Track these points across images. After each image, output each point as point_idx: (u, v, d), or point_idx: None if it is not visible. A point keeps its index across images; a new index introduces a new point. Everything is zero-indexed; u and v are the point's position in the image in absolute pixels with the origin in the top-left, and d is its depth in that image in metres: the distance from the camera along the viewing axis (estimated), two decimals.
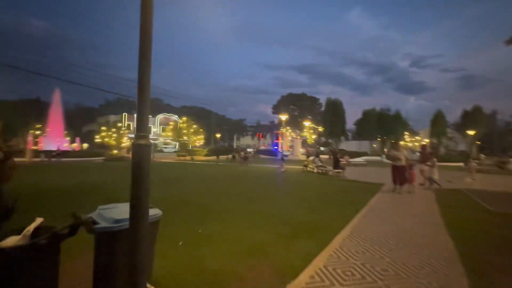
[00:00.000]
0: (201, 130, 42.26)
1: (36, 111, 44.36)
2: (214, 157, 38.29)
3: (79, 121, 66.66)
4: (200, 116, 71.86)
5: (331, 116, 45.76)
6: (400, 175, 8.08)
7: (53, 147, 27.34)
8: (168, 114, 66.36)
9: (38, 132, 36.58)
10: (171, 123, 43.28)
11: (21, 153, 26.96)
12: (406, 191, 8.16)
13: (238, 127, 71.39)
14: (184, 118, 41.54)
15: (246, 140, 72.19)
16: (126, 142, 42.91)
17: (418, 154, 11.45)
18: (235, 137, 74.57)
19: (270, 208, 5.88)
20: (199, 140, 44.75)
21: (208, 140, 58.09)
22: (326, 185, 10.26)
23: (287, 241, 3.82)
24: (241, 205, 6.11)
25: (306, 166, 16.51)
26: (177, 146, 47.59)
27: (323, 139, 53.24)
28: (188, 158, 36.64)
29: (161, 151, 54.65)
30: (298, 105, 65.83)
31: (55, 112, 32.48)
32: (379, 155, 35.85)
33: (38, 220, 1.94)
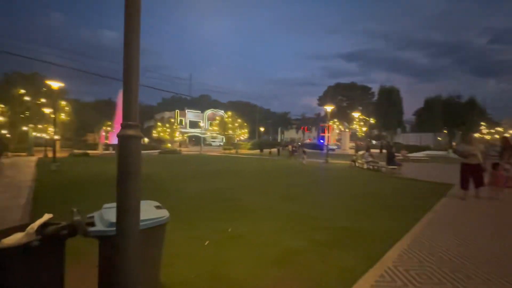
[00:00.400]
0: (245, 124, 42.85)
1: (107, 110, 51.25)
2: (258, 151, 38.58)
3: (140, 118, 74.82)
4: (245, 110, 73.17)
5: (385, 106, 41.16)
6: (476, 175, 6.41)
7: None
8: (215, 110, 69.33)
9: (108, 128, 42.18)
10: (217, 117, 44.99)
11: (95, 146, 31.37)
12: (487, 196, 6.49)
13: (283, 121, 70.35)
14: (229, 113, 42.69)
15: (291, 134, 70.81)
16: (178, 136, 46.47)
17: (497, 149, 9.08)
18: (279, 130, 73.89)
19: (309, 209, 5.29)
20: (243, 134, 45.61)
21: (252, 134, 58.88)
22: (377, 183, 9.02)
23: (325, 250, 3.23)
24: (277, 204, 5.66)
25: (354, 161, 15.05)
26: (223, 140, 49.43)
27: (375, 131, 48.55)
28: (232, 151, 37.69)
29: (210, 144, 57.62)
30: (347, 95, 61.33)
31: (120, 111, 36.74)
32: (445, 150, 30.79)
33: (46, 216, 1.83)
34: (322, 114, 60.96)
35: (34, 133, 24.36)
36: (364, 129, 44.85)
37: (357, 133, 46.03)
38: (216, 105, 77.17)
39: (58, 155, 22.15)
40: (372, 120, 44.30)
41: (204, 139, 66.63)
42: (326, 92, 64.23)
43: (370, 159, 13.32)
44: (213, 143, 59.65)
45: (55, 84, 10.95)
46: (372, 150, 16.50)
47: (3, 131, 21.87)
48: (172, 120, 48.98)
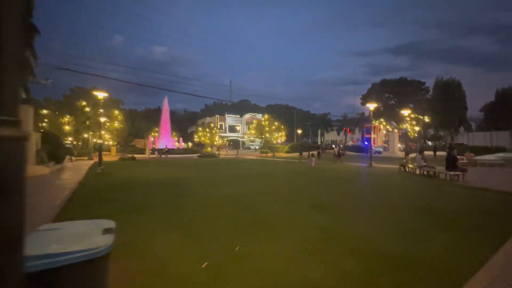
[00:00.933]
0: (282, 126, 42.00)
1: (156, 118, 55.84)
2: (296, 154, 37.37)
3: (186, 124, 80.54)
4: (284, 113, 72.34)
5: (443, 102, 35.96)
6: None
7: (163, 146, 33.38)
8: (253, 114, 70.02)
9: (156, 134, 45.75)
10: (254, 121, 45.14)
11: (143, 151, 34.06)
12: None
13: (323, 122, 67.44)
14: (266, 116, 42.41)
15: (331, 136, 67.29)
16: (217, 140, 47.99)
17: None
18: (319, 132, 70.96)
19: (342, 224, 4.38)
20: (280, 137, 44.84)
21: (290, 137, 57.64)
22: (433, 193, 7.42)
23: None
24: (304, 215, 4.87)
25: (404, 165, 13.06)
26: (261, 143, 49.37)
27: (430, 131, 42.82)
28: (269, 154, 37.21)
29: (248, 148, 58.24)
30: (395, 92, 55.80)
31: (165, 117, 39.59)
32: None
33: None
34: (367, 114, 56.39)
35: (94, 140, 27.63)
36: (417, 128, 39.86)
37: (409, 133, 41.13)
38: (255, 109, 78.23)
39: (111, 158, 24.65)
40: (426, 119, 39.14)
41: (243, 142, 67.90)
42: (371, 90, 59.48)
43: (423, 163, 11.32)
44: (251, 147, 60.24)
45: (100, 95, 11.92)
46: (426, 153, 14.17)
47: (70, 138, 25.55)
48: (212, 124, 50.80)
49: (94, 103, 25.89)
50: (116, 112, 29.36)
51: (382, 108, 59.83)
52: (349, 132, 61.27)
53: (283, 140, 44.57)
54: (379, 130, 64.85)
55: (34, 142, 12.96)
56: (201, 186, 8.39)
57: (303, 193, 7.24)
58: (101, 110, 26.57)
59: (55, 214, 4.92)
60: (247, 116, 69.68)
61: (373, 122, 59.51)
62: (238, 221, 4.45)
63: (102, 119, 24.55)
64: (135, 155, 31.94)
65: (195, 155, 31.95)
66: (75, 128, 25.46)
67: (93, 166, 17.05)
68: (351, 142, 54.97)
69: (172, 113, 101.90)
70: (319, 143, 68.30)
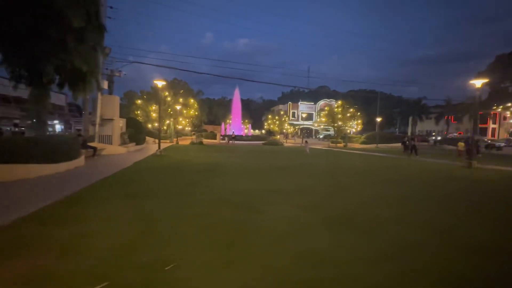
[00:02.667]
0: (359, 114, 36.89)
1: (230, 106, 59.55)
2: (374, 146, 32.32)
3: (261, 112, 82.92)
4: (367, 99, 63.90)
5: None
6: None
7: (231, 132, 35.18)
8: (329, 100, 64.93)
9: (228, 121, 48.80)
10: (326, 108, 41.58)
11: (215, 136, 36.76)
12: None
13: (416, 109, 55.60)
14: (340, 102, 38.18)
15: (427, 125, 54.90)
16: (286, 128, 47.08)
17: None
18: (410, 121, 59.30)
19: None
20: (357, 125, 39.77)
21: (371, 126, 50.45)
22: None
23: None
24: (315, 234, 3.49)
25: None
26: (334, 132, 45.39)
27: None
28: (340, 145, 33.62)
29: (325, 136, 54.50)
30: None
31: (236, 105, 41.45)
32: None
33: None
34: (484, 98, 42.55)
35: (176, 126, 31.76)
36: None
37: None
38: (334, 95, 72.42)
39: (186, 142, 27.66)
40: None
41: (317, 131, 64.35)
42: (494, 65, 44.44)
43: None
44: (321, 136, 56.24)
45: (159, 83, 12.98)
46: None
47: (155, 124, 30.32)
48: (282, 112, 50.04)
49: (175, 92, 29.58)
50: (192, 100, 32.66)
51: (511, 88, 44.27)
52: (452, 120, 48.57)
53: (359, 129, 39.39)
54: (504, 119, 48.35)
55: (119, 126, 15.54)
56: (230, 175, 7.83)
57: (340, 196, 5.56)
58: (180, 100, 30.07)
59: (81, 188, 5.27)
60: (321, 102, 65.22)
61: (494, 107, 44.54)
62: (221, 229, 3.53)
63: (178, 107, 27.72)
64: (209, 140, 35.03)
65: (260, 142, 32.16)
66: (160, 115, 29.85)
67: (166, 148, 19.32)
68: (455, 134, 43.55)
69: (249, 102, 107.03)
70: (409, 133, 57.12)
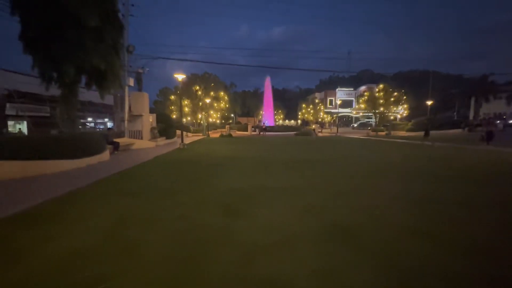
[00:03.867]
0: (405, 98, 32.72)
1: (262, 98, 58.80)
2: (421, 133, 28.40)
3: (297, 101, 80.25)
4: (418, 80, 56.71)
5: None
6: None
7: (262, 124, 34.61)
8: (371, 85, 59.46)
9: (261, 113, 48.26)
10: (366, 93, 37.95)
11: (246, 128, 36.66)
12: None
13: (480, 88, 47.21)
14: (381, 86, 34.36)
15: (496, 106, 46.32)
16: (321, 117, 44.56)
17: None
18: (472, 102, 50.80)
19: None
20: (404, 110, 35.50)
21: (421, 110, 44.62)
22: None
23: None
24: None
25: None
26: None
27: None
28: (383, 133, 30.43)
29: (364, 125, 50.33)
30: None
31: (267, 96, 40.57)
32: None
33: None
34: None
35: (208, 119, 32.45)
36: None
37: None
38: (378, 79, 66.27)
39: (213, 135, 28.05)
40: None
41: (357, 119, 59.71)
42: None
43: None
44: (356, 125, 51.61)
45: (180, 77, 12.96)
46: None
47: (188, 118, 31.45)
48: (317, 100, 47.44)
49: (206, 86, 30.09)
50: (222, 93, 32.86)
51: None
52: None
53: (405, 114, 35.10)
54: None
55: (148, 121, 16.23)
56: (240, 170, 7.31)
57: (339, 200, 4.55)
58: (212, 93, 30.45)
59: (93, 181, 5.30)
60: (362, 88, 60.00)
61: None
62: (175, 243, 3.02)
63: (208, 101, 28.08)
64: (240, 132, 35.09)
65: (293, 133, 30.98)
66: (192, 109, 30.85)
67: (194, 141, 19.70)
68: None
69: (284, 91, 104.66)
70: (471, 117, 48.96)
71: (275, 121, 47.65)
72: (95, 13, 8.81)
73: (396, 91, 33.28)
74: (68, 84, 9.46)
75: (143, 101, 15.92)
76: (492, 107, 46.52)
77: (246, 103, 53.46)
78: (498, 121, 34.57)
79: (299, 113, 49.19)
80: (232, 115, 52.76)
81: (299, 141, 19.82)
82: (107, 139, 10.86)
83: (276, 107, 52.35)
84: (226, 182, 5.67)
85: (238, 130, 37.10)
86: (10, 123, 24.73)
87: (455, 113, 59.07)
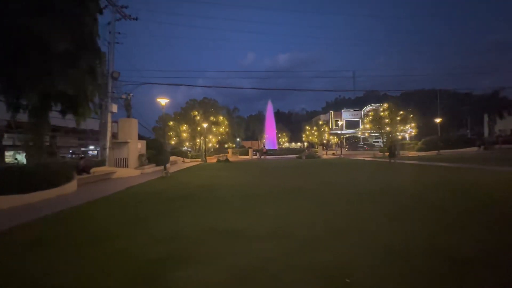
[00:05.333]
0: (412, 116, 31.31)
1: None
2: (434, 153, 26.50)
3: (302, 124, 79.59)
4: (426, 99, 55.52)
5: None
6: None
7: (262, 147, 33.66)
8: (377, 105, 58.56)
9: (266, 136, 47.57)
10: (370, 113, 36.84)
11: (247, 152, 35.71)
12: None
13: (492, 104, 45.26)
14: (386, 105, 33.26)
15: (509, 123, 43.85)
16: (325, 138, 43.27)
17: None
18: (485, 119, 48.55)
19: None
20: (411, 130, 33.86)
21: (431, 129, 42.71)
22: None
23: None
24: None
25: None
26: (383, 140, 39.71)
27: None
28: (388, 153, 28.64)
29: (367, 145, 48.53)
30: None
31: (269, 119, 40.08)
32: None
33: None
34: None
35: (208, 145, 31.78)
36: None
37: None
38: (385, 99, 65.59)
39: (211, 160, 27.10)
40: None
41: (365, 139, 57.90)
42: None
43: None
44: (362, 145, 49.55)
45: (163, 101, 12.38)
46: None
47: (187, 143, 30.97)
48: (321, 122, 46.54)
49: (205, 111, 29.91)
50: (221, 118, 32.54)
51: None
52: None
53: (413, 133, 33.41)
54: None
55: (136, 148, 15.53)
56: (209, 204, 6.18)
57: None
58: (212, 118, 30.06)
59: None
60: (368, 108, 59.02)
61: None
62: None
63: (205, 125, 27.61)
64: (242, 156, 34.09)
65: (294, 156, 29.69)
66: (191, 135, 30.40)
67: (188, 168, 18.75)
68: None
69: (290, 114, 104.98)
70: (486, 134, 46.39)
71: (278, 144, 46.66)
72: (65, 37, 8.45)
73: (402, 110, 32.02)
74: (36, 111, 8.90)
75: (131, 128, 15.39)
76: (508, 123, 44.04)
77: (250, 127, 53.14)
78: None
79: (303, 135, 48.11)
80: (238, 139, 52.40)
81: (297, 164, 18.53)
82: (78, 169, 10.04)
83: (280, 130, 51.72)
84: (174, 223, 4.52)
85: (240, 155, 36.16)
86: (10, 153, 24.83)
87: (468, 131, 56.49)
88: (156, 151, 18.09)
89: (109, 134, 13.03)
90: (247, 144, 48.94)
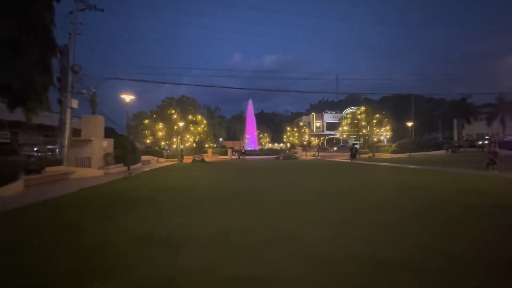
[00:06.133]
0: (386, 119, 32.41)
1: (258, 121, 57.98)
2: (406, 155, 27.60)
3: (283, 125, 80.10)
4: (403, 104, 57.87)
5: None
6: None
7: (247, 147, 33.45)
8: (356, 108, 60.20)
9: (248, 136, 47.23)
10: (348, 116, 37.75)
11: (226, 152, 35.29)
12: None
13: (461, 110, 48.06)
14: (363, 108, 34.21)
15: (478, 127, 46.78)
16: (305, 140, 43.79)
17: None
18: (454, 124, 51.44)
19: None
20: (386, 132, 35.04)
21: (407, 132, 44.52)
22: None
23: None
24: None
25: None
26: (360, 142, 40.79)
27: None
28: (367, 155, 29.53)
29: (341, 147, 49.51)
30: None
31: (250, 120, 39.85)
32: None
33: None
34: None
35: (185, 144, 30.92)
36: None
37: None
38: (366, 103, 67.51)
39: (187, 160, 26.41)
40: None
41: (345, 141, 59.31)
42: None
43: None
44: (335, 148, 50.60)
45: (127, 97, 11.73)
46: None
47: (163, 142, 30.04)
48: (301, 123, 47.06)
49: (182, 109, 29.10)
50: (199, 117, 31.84)
51: None
52: None
53: (388, 136, 34.63)
54: None
55: (100, 147, 14.66)
56: (166, 207, 5.80)
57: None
58: (190, 117, 29.26)
59: None
60: (348, 111, 60.53)
61: None
62: None
63: (181, 124, 26.87)
64: (221, 157, 33.58)
65: (273, 157, 29.69)
66: (167, 134, 29.48)
67: (160, 168, 18.05)
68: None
69: (274, 115, 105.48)
70: (455, 138, 49.13)
71: (260, 144, 46.57)
72: (9, 24, 7.70)
73: (378, 113, 33.06)
74: None
75: (96, 125, 14.52)
76: (474, 128, 46.95)
77: (232, 127, 52.63)
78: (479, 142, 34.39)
79: (284, 136, 48.42)
80: (221, 139, 51.69)
81: (271, 166, 18.42)
82: (28, 168, 9.22)
83: (262, 130, 51.69)
84: (108, 230, 4.12)
85: (220, 155, 35.60)
86: None
87: (439, 135, 59.64)
88: (125, 150, 17.25)
89: (67, 132, 12.14)
90: (229, 144, 48.37)
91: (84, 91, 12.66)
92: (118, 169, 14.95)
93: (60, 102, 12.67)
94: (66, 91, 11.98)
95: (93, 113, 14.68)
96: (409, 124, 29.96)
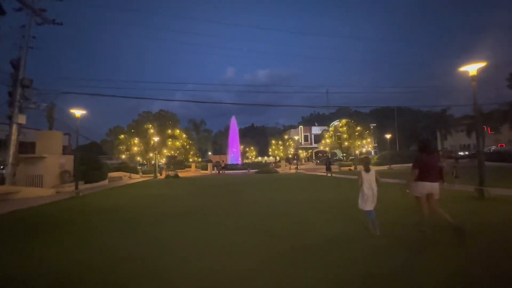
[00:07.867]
0: (367, 132, 32.54)
1: (249, 135, 57.88)
2: (386, 167, 27.48)
3: (268, 138, 79.66)
4: (391, 116, 58.91)
5: None
6: None
7: (233, 161, 32.87)
8: (338, 121, 60.88)
9: (234, 150, 46.57)
10: (331, 128, 37.89)
11: (206, 167, 34.39)
12: None
13: (442, 122, 49.11)
14: (344, 121, 34.41)
15: (459, 138, 47.61)
16: (290, 153, 43.54)
17: None
18: (438, 135, 52.29)
19: None
20: (367, 145, 35.10)
21: (392, 144, 44.85)
22: None
23: None
24: None
25: None
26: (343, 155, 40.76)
27: None
28: (346, 168, 29.25)
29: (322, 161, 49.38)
30: None
31: (233, 134, 39.51)
32: None
33: None
34: None
35: (162, 160, 30.09)
36: None
37: None
38: (355, 116, 68.51)
39: (182, 174, 25.49)
40: None
41: (334, 154, 59.35)
42: None
43: None
44: (319, 161, 50.42)
45: (78, 112, 11.16)
46: None
47: (138, 158, 29.17)
48: (286, 137, 47.00)
49: (160, 124, 28.56)
50: (178, 131, 31.31)
51: None
52: (489, 131, 41.47)
53: (369, 148, 34.68)
54: None
55: (56, 164, 13.86)
56: (69, 240, 5.14)
57: None
58: (169, 131, 28.66)
59: None
60: (335, 123, 61.07)
61: None
62: None
63: (156, 139, 26.24)
64: (202, 171, 32.78)
65: (253, 171, 29.09)
66: (144, 149, 28.69)
67: (126, 186, 17.20)
68: (494, 147, 36.70)
69: (264, 129, 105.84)
70: (439, 149, 49.70)
71: (245, 158, 46.01)
72: None
73: (359, 126, 33.21)
74: None
75: (52, 141, 13.82)
76: (456, 139, 47.78)
77: (218, 141, 52.12)
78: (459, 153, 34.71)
79: (270, 150, 48.13)
80: (210, 153, 50.93)
81: (244, 181, 17.81)
82: None
83: (248, 144, 51.32)
84: (11, 260, 3.46)
85: (202, 169, 34.83)
86: None
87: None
88: (87, 167, 16.42)
89: (12, 148, 11.38)
90: (215, 158, 47.65)
91: (33, 106, 12.04)
92: (73, 188, 14.09)
93: (10, 117, 12.00)
94: (13, 106, 11.36)
95: (50, 128, 14.00)
96: (388, 136, 30.10)
